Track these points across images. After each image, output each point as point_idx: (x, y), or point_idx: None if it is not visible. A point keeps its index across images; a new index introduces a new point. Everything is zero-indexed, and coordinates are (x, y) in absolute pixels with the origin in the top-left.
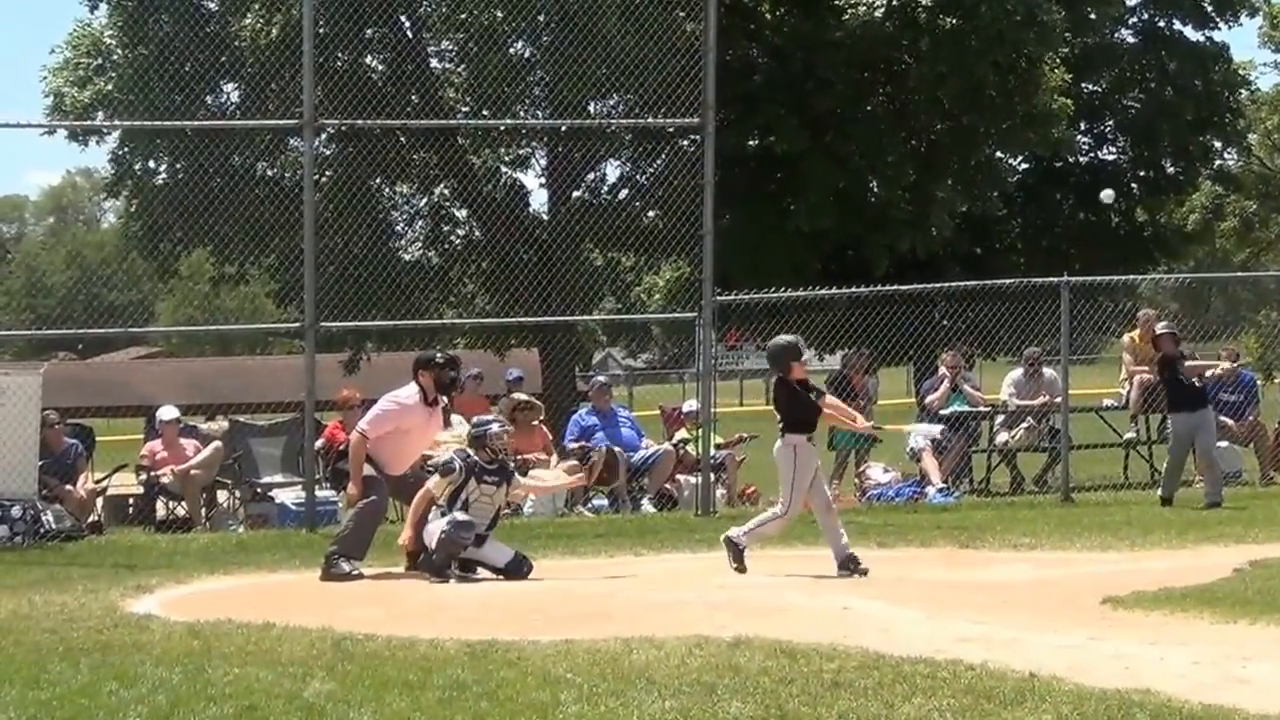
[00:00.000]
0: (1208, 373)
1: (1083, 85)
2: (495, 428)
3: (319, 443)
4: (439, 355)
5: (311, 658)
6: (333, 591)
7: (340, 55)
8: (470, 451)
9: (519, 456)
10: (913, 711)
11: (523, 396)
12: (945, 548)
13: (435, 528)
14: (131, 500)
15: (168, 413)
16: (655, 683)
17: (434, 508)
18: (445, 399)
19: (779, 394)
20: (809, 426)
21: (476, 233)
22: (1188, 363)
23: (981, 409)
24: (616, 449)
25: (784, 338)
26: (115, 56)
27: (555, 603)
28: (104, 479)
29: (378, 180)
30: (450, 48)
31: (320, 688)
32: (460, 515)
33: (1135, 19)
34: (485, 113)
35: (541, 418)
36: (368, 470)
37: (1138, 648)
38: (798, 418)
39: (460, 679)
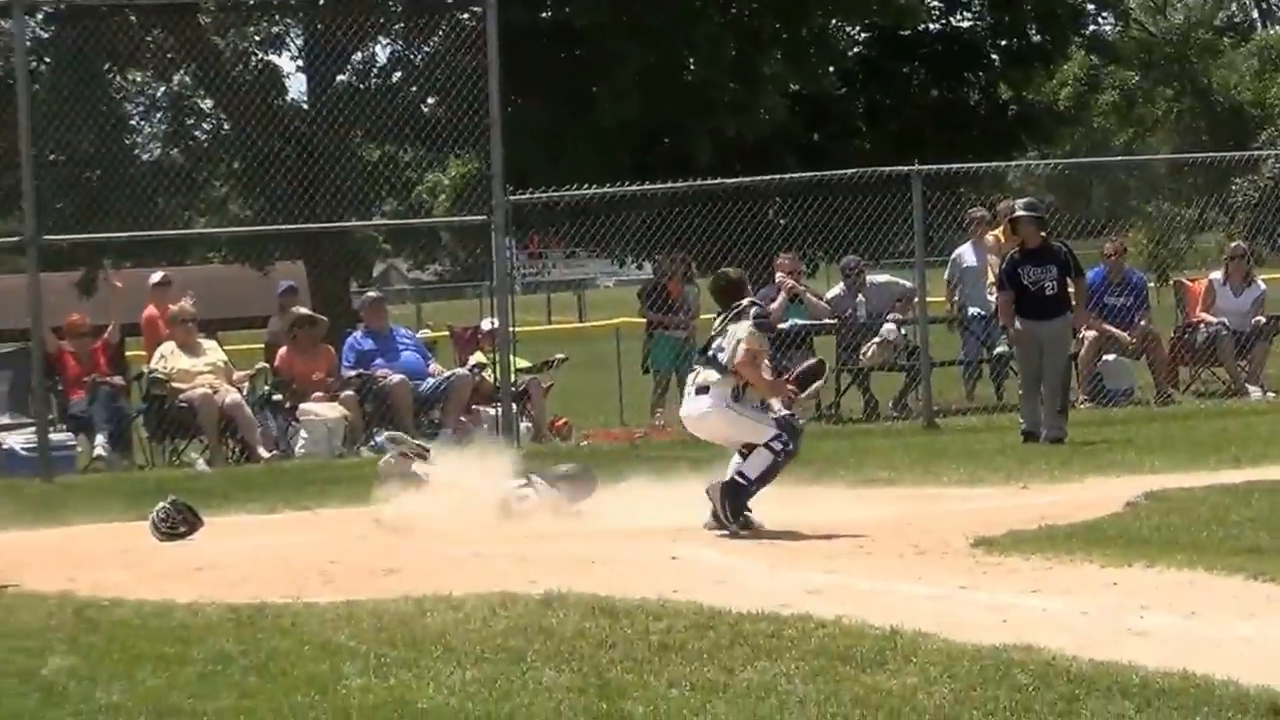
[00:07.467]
0: None
1: None
2: None
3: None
4: None
5: (50, 629)
6: (73, 552)
7: None
8: None
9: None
10: (755, 677)
11: (304, 310)
12: (789, 485)
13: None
14: None
15: None
16: (454, 650)
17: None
18: None
19: None
20: None
21: (225, 126)
22: None
23: (826, 321)
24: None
25: None
26: None
27: (335, 558)
28: None
29: (105, 66)
30: None
31: (60, 663)
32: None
33: None
34: None
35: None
36: None
37: (1016, 597)
38: None
39: (224, 650)
